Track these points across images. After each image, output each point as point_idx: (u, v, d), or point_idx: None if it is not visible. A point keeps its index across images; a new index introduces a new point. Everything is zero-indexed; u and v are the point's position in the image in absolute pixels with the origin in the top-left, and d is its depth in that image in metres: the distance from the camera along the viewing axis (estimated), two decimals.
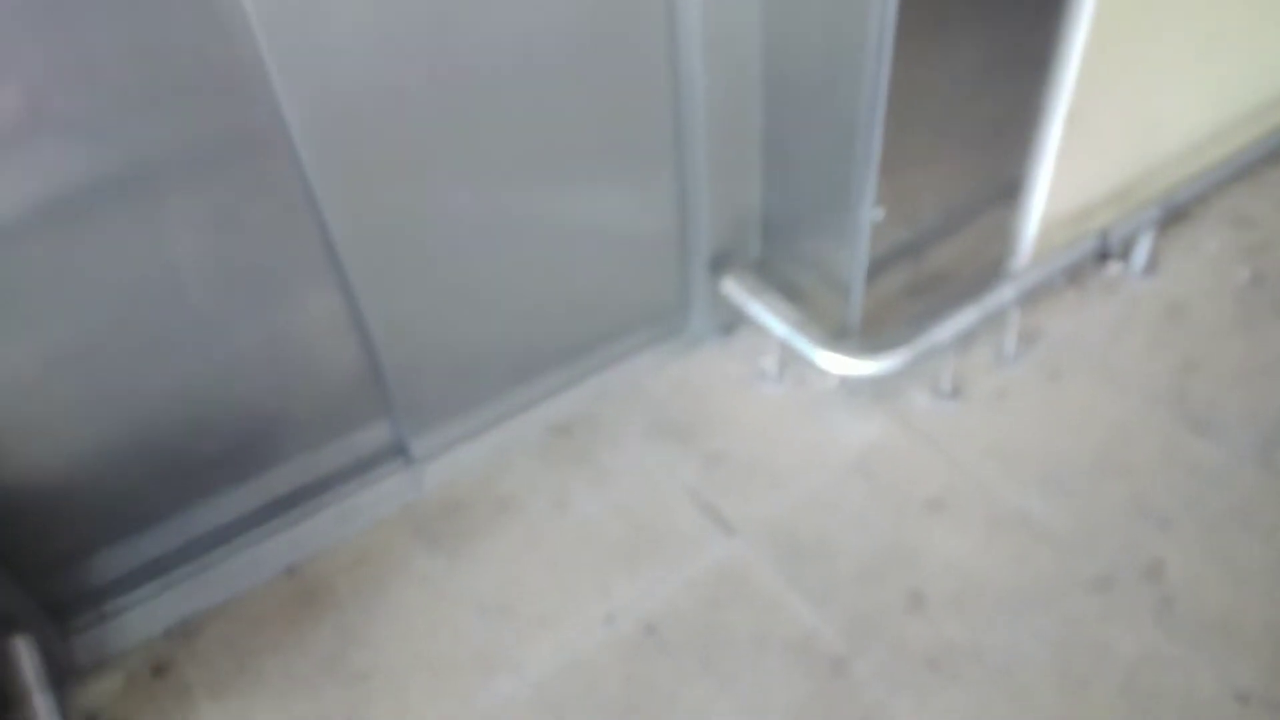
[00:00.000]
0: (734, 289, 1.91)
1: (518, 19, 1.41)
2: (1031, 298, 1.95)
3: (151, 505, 1.62)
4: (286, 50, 1.24)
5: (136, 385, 1.45)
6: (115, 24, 1.13)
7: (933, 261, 1.92)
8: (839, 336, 1.80)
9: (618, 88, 1.61)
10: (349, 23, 1.27)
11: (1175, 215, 2.13)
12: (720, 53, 1.62)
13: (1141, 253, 2.06)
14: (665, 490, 1.73)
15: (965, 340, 1.83)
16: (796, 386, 1.91)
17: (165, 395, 1.49)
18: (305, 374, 1.64)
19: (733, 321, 2.04)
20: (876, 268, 1.75)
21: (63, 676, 1.50)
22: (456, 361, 1.77)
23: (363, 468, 1.82)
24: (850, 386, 1.81)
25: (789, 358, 1.87)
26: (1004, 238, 1.96)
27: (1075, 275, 2.06)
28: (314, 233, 1.44)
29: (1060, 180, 1.85)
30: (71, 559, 1.59)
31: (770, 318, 1.83)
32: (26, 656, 1.40)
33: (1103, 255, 2.01)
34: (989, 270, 1.99)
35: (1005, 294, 1.83)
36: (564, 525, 1.69)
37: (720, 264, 1.92)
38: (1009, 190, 1.89)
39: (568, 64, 1.52)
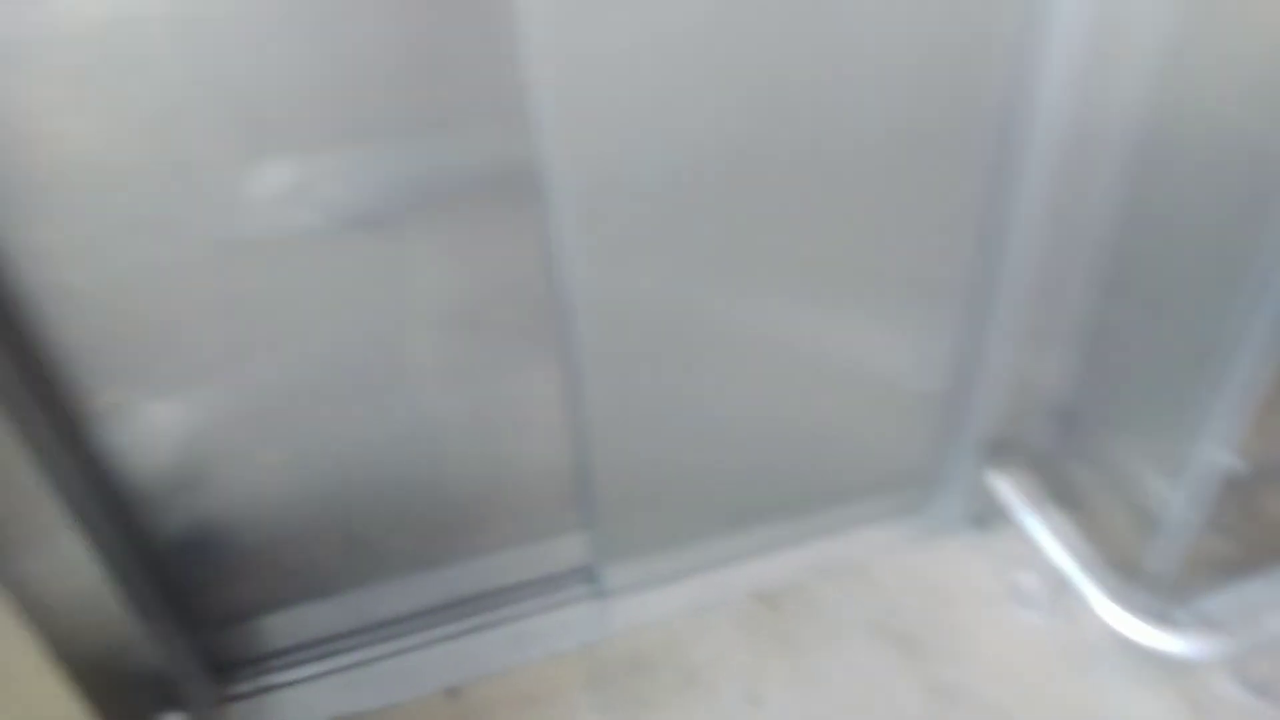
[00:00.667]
0: (1004, 484, 1.61)
1: (837, 104, 1.21)
2: None
3: (329, 576, 1.54)
4: (565, 101, 1.09)
5: (339, 435, 1.36)
6: (384, 35, 1.04)
7: (1264, 504, 1.54)
8: (1133, 579, 1.46)
9: (927, 207, 1.37)
10: (642, 87, 1.11)
11: None
12: (1059, 200, 1.34)
13: None
14: (879, 716, 1.45)
15: None
16: (1063, 622, 1.58)
17: (364, 452, 1.39)
18: (508, 460, 1.51)
19: (988, 514, 1.73)
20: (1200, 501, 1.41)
21: None
22: (670, 488, 1.58)
23: (547, 586, 1.67)
24: (1140, 649, 1.46)
25: (1059, 584, 1.54)
26: None
27: None
28: (552, 301, 1.29)
29: None
30: (243, 617, 1.53)
31: (1045, 533, 1.52)
32: None
33: None
34: None
35: None
36: None
37: (993, 449, 1.63)
38: None
39: (880, 165, 1.29)
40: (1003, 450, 1.64)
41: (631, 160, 1.14)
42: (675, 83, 1.10)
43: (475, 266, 1.26)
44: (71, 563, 1.16)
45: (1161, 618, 1.36)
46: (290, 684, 1.55)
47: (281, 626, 1.56)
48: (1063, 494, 1.61)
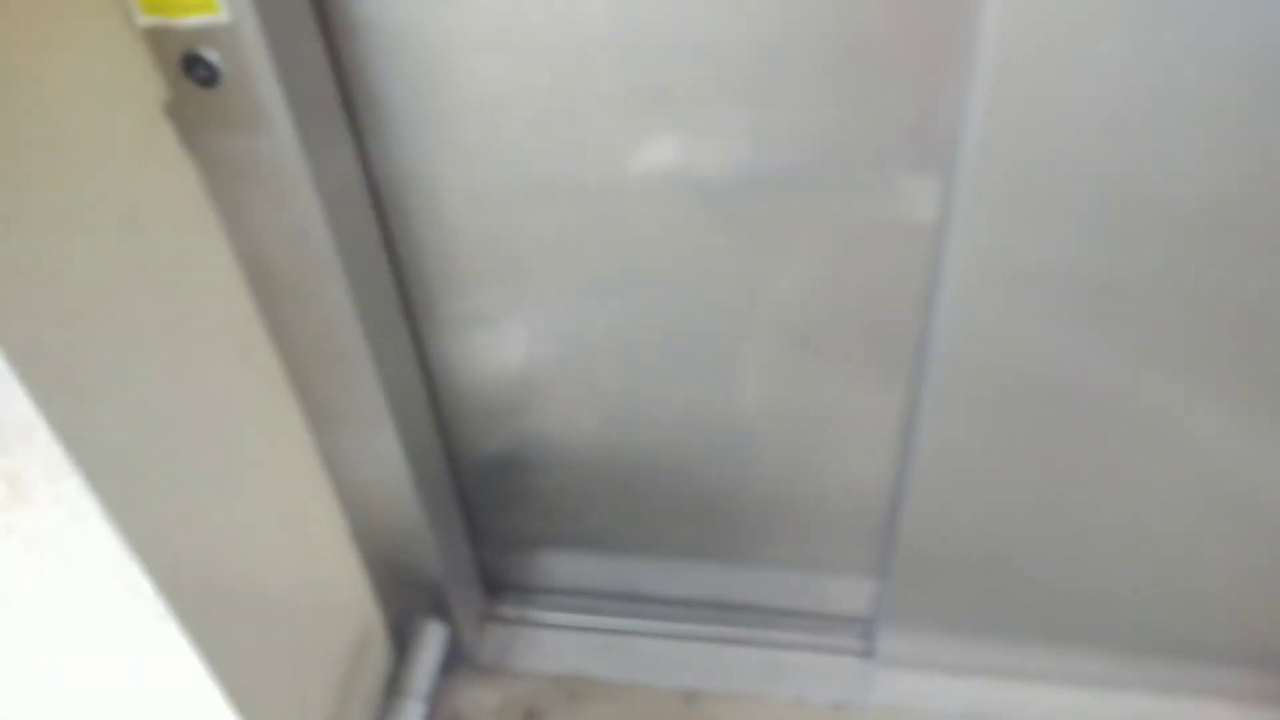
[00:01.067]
0: None
1: None
2: None
3: (611, 534, 1.52)
4: (1006, 112, 0.89)
5: (656, 404, 1.30)
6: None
7: None
8: None
9: None
10: (1110, 118, 0.86)
11: None
12: None
13: None
14: None
15: None
16: None
17: (679, 428, 1.33)
18: (820, 479, 1.37)
19: None
20: None
21: (459, 659, 1.49)
22: (985, 567, 1.34)
23: (819, 624, 1.54)
24: None
25: None
26: None
27: None
28: (913, 329, 1.13)
29: None
30: (523, 547, 1.56)
31: None
32: (435, 633, 1.39)
33: None
34: None
35: None
36: None
37: None
38: None
39: None
40: None
41: (1067, 193, 0.91)
42: (1149, 121, 0.85)
43: (845, 273, 1.11)
44: (383, 454, 1.22)
45: None
46: (547, 626, 1.58)
47: (555, 567, 1.58)
48: None
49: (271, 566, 1.05)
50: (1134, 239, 0.93)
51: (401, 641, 1.42)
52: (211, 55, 0.80)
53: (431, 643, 1.36)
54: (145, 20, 0.79)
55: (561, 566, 1.58)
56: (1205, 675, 1.39)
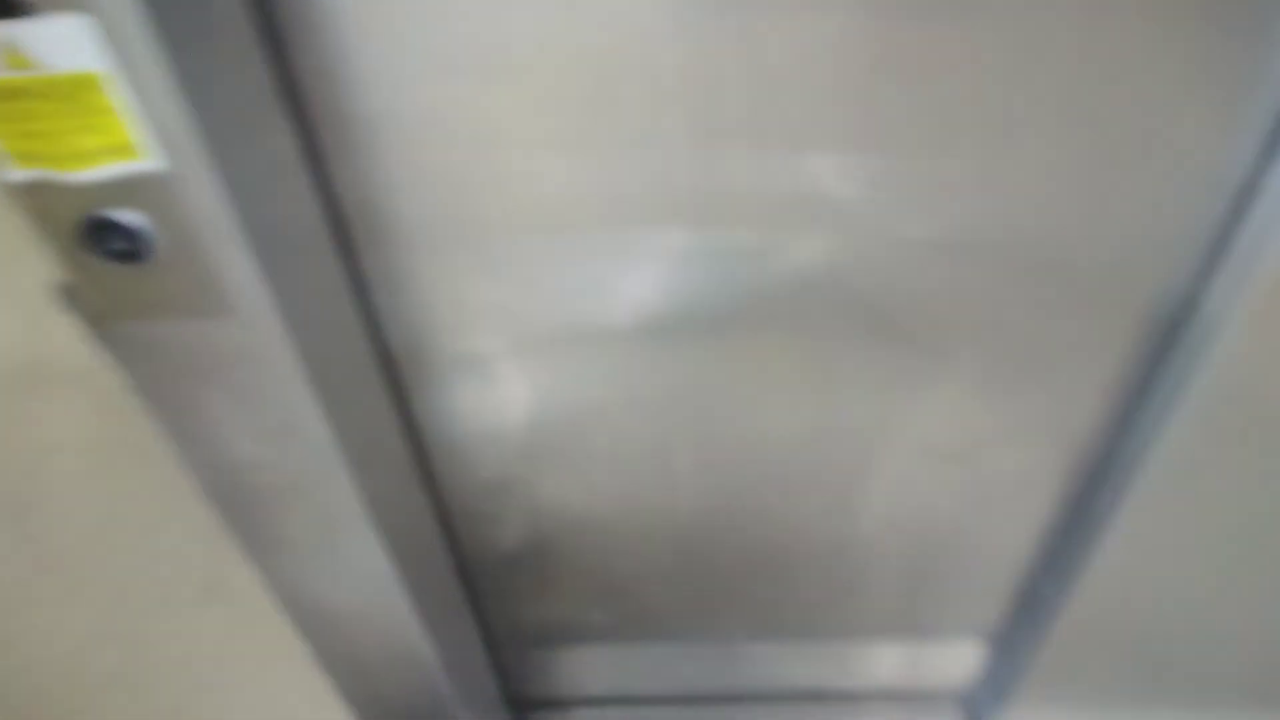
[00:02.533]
0: None
1: None
2: None
3: (659, 620, 1.28)
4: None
5: (722, 487, 1.05)
6: None
7: None
8: None
9: None
10: None
11: None
12: None
13: None
14: None
15: None
16: None
17: (747, 476, 1.08)
18: (942, 547, 1.14)
19: None
20: None
21: None
22: (1130, 647, 1.15)
23: (914, 700, 1.34)
24: None
25: None
26: None
27: None
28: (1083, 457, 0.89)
29: None
30: (555, 649, 1.31)
31: None
32: None
33: None
34: None
35: None
36: None
37: None
38: None
39: None
40: None
41: None
42: None
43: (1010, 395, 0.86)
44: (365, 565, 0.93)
45: None
46: None
47: (590, 671, 1.34)
48: None
49: None
50: None
51: None
52: (132, 219, 0.50)
53: None
54: (20, 174, 0.48)
55: (597, 669, 1.34)
56: None
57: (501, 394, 0.83)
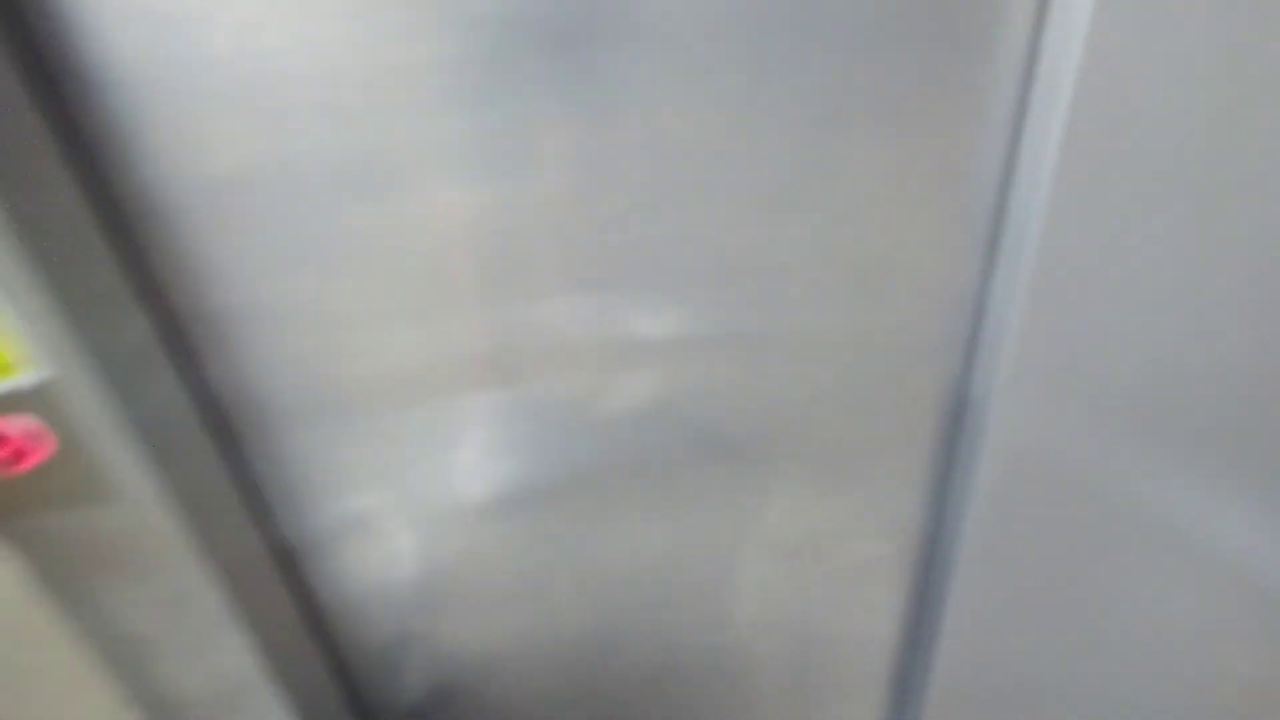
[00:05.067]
0: None
1: None
2: None
3: None
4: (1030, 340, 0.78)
5: (602, 613, 1.08)
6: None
7: None
8: None
9: None
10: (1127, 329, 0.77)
11: None
12: None
13: None
14: None
15: None
16: None
17: (634, 642, 1.12)
18: (812, 646, 1.19)
19: None
20: None
21: None
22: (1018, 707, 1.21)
23: None
24: None
25: None
26: None
27: None
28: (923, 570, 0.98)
29: None
30: None
31: None
32: None
33: None
34: None
35: None
36: None
37: None
38: None
39: None
40: None
41: (1085, 398, 0.80)
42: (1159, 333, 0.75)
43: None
44: None
45: None
46: None
47: None
48: None
49: None
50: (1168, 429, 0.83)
51: None
52: (16, 427, 0.57)
53: None
54: None
55: None
56: None
57: (385, 550, 0.90)
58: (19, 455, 0.58)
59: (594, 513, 0.89)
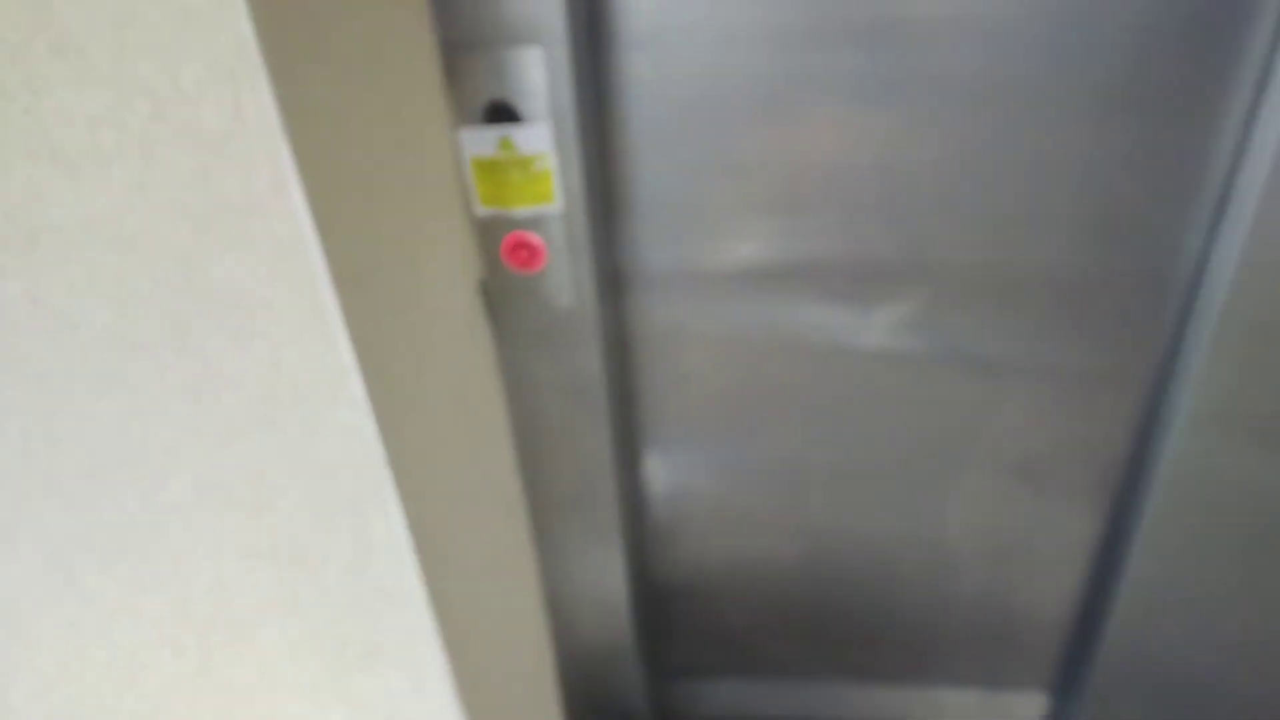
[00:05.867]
0: None
1: None
2: None
3: (783, 660, 1.54)
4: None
5: (835, 532, 1.35)
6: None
7: None
8: None
9: None
10: None
11: None
12: None
13: None
14: None
15: None
16: None
17: (854, 550, 1.37)
18: (1000, 596, 1.40)
19: None
20: None
21: None
22: (1176, 682, 1.38)
23: None
24: None
25: None
26: None
27: None
28: (1119, 463, 1.19)
29: None
30: (703, 675, 1.58)
31: None
32: None
33: None
34: None
35: None
36: None
37: None
38: None
39: None
40: None
41: None
42: None
43: (1054, 404, 1.18)
44: (607, 595, 1.26)
45: None
46: None
47: (729, 696, 1.59)
48: None
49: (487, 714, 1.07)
50: None
51: None
52: (536, 240, 0.89)
53: None
54: (483, 211, 0.88)
55: (735, 694, 1.60)
56: None
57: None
58: (532, 259, 0.90)
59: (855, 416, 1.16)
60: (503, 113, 0.83)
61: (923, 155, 0.95)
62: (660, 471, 1.30)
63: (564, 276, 0.92)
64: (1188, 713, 1.43)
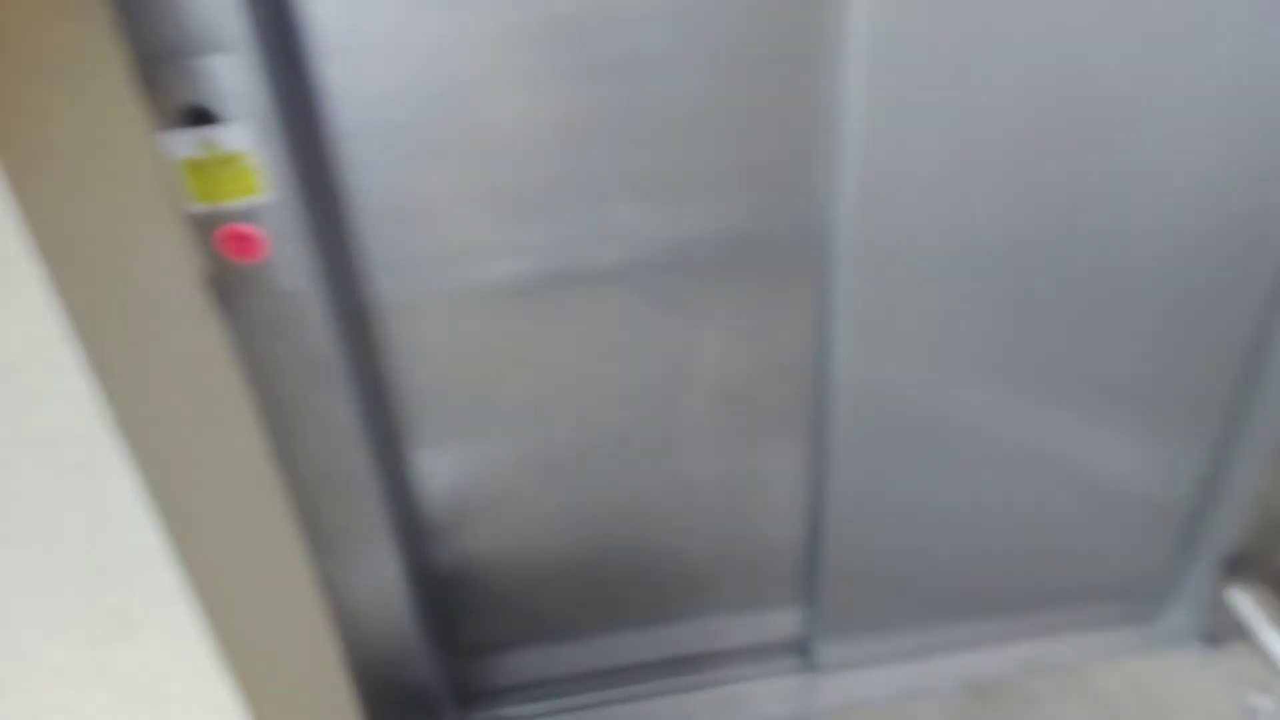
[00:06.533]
0: (1244, 601, 1.57)
1: (1127, 220, 1.26)
2: None
3: (569, 622, 1.67)
4: (867, 183, 1.19)
5: (600, 503, 1.50)
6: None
7: None
8: None
9: (1199, 324, 1.39)
10: (942, 183, 1.19)
11: None
12: None
13: None
14: None
15: None
16: None
17: (620, 519, 1.53)
18: (743, 539, 1.61)
19: (1222, 631, 1.68)
20: None
21: None
22: (894, 574, 1.63)
23: (761, 654, 1.75)
24: None
25: None
26: None
27: None
28: (813, 381, 1.40)
29: None
30: (490, 651, 1.68)
31: None
32: None
33: None
34: None
35: None
36: None
37: (1236, 565, 1.60)
38: None
39: (1160, 280, 1.33)
40: (1244, 566, 1.60)
41: (918, 249, 1.24)
42: (974, 192, 1.21)
43: (747, 338, 1.38)
44: (383, 586, 1.35)
45: None
46: (521, 719, 1.69)
47: (519, 663, 1.70)
48: None
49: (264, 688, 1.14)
50: (977, 289, 1.28)
51: None
52: (253, 231, 0.99)
53: None
54: (199, 206, 0.96)
55: (526, 662, 1.71)
56: (1072, 615, 1.73)
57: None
58: (250, 248, 0.99)
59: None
60: (203, 115, 0.92)
61: (596, 128, 1.12)
62: (423, 450, 1.40)
63: (286, 263, 1.01)
64: (914, 602, 1.68)
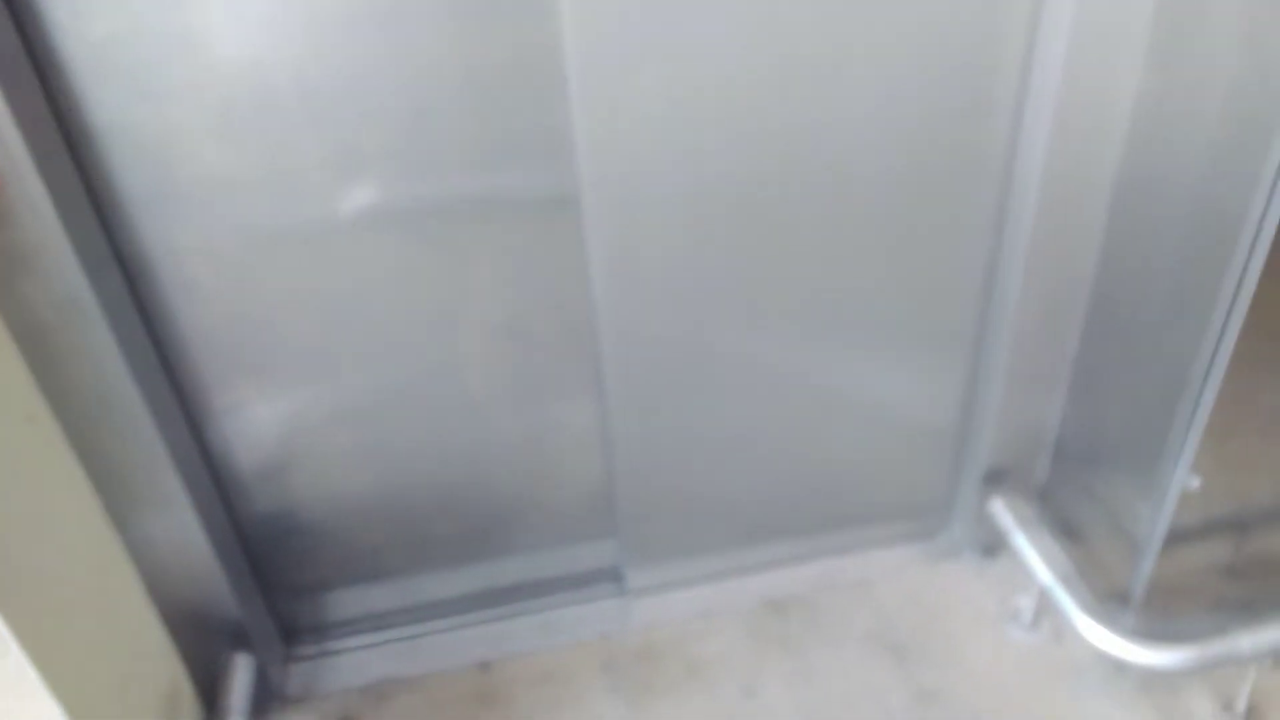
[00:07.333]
0: (1003, 512, 1.72)
1: (848, 160, 1.38)
2: None
3: (387, 562, 1.75)
4: (600, 145, 1.28)
5: (403, 446, 1.58)
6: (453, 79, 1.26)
7: (1261, 545, 1.61)
8: (1115, 602, 1.55)
9: (932, 257, 1.53)
10: (668, 137, 1.29)
11: None
12: (1048, 253, 1.49)
13: None
14: (862, 713, 1.57)
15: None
16: (1050, 642, 1.67)
17: (424, 462, 1.61)
18: (548, 477, 1.70)
19: (995, 542, 1.83)
20: (1182, 535, 1.50)
21: (269, 698, 1.64)
22: (690, 504, 1.75)
23: (576, 583, 1.85)
24: (1117, 663, 1.54)
25: (1048, 606, 1.64)
26: None
27: None
28: (587, 323, 1.49)
29: None
30: (313, 591, 1.75)
31: (1036, 558, 1.62)
32: (242, 674, 1.55)
33: None
34: None
35: None
36: (746, 714, 1.59)
37: (995, 480, 1.75)
38: None
39: (888, 215, 1.45)
40: (1003, 480, 1.75)
41: (653, 192, 1.34)
42: (697, 134, 1.30)
43: (530, 288, 1.47)
44: (180, 526, 1.40)
45: (1136, 633, 1.45)
46: (346, 650, 1.76)
47: (343, 601, 1.78)
48: (1059, 522, 1.71)
49: (72, 630, 1.19)
50: (716, 227, 1.38)
51: (213, 693, 1.55)
52: None
53: (239, 674, 1.52)
54: None
55: (350, 598, 1.78)
56: (863, 535, 1.87)
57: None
58: None
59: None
60: None
61: (342, 75, 1.19)
62: (215, 394, 1.45)
63: (22, 202, 1.05)
64: (713, 528, 1.80)
